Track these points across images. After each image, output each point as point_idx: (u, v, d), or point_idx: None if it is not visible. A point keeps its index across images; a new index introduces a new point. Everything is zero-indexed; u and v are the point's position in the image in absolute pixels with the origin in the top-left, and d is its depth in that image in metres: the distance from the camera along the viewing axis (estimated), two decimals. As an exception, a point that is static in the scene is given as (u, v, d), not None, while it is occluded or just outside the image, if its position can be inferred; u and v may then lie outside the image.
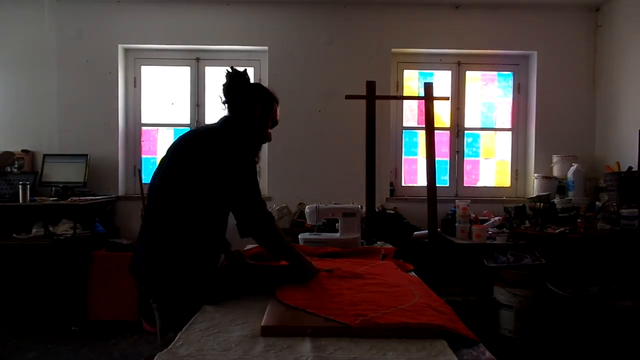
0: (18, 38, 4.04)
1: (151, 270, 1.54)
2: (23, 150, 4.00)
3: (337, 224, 2.55)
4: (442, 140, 4.25)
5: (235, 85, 1.78)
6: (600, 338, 2.93)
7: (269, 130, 1.86)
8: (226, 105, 1.81)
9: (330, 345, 1.09)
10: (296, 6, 4.07)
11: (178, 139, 1.72)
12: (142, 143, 4.26)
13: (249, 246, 2.25)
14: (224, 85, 1.79)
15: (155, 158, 4.29)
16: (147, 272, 1.55)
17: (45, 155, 3.96)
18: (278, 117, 1.88)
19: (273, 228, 1.59)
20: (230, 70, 1.79)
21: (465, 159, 4.30)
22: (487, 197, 4.17)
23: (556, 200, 3.59)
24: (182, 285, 1.52)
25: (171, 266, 1.52)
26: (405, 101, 4.27)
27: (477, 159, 4.33)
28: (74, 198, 3.65)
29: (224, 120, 1.77)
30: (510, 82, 4.30)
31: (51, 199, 3.69)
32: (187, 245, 1.54)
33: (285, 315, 1.26)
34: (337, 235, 2.44)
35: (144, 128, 4.25)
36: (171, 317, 1.53)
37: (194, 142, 1.64)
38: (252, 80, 1.83)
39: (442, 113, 4.27)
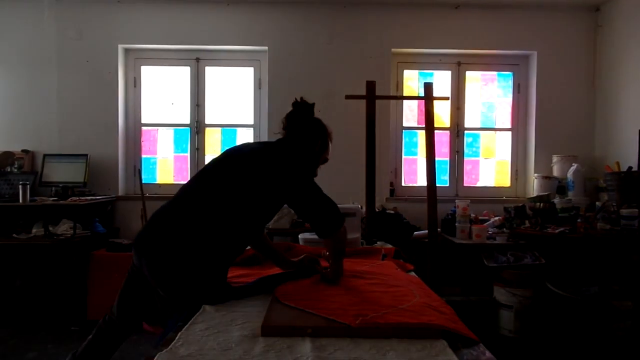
0: (18, 38, 4.04)
1: (162, 248, 1.55)
2: (23, 150, 4.00)
3: (337, 224, 2.55)
4: (442, 140, 4.25)
5: (299, 115, 1.87)
6: (600, 338, 2.93)
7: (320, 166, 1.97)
8: (285, 131, 1.88)
9: (330, 345, 1.09)
10: (296, 6, 4.07)
11: (238, 149, 1.80)
12: (142, 143, 4.26)
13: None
14: (289, 113, 1.88)
15: (155, 158, 4.29)
16: (156, 246, 1.57)
17: (45, 155, 3.96)
18: (329, 156, 2.02)
19: (342, 228, 1.72)
20: (298, 100, 1.89)
21: (465, 159, 4.30)
22: (487, 197, 4.17)
23: (556, 200, 3.58)
24: (185, 271, 1.54)
25: (184, 252, 1.54)
26: (405, 101, 4.26)
27: (477, 159, 4.33)
28: (74, 198, 3.65)
29: (283, 143, 1.84)
30: (510, 82, 4.30)
31: (51, 199, 3.69)
32: (209, 241, 1.56)
33: (285, 315, 1.26)
34: (337, 235, 2.43)
35: (144, 128, 4.25)
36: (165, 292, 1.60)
37: (258, 156, 1.71)
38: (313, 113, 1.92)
39: (442, 113, 4.27)
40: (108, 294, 3.56)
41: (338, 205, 1.70)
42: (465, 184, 4.29)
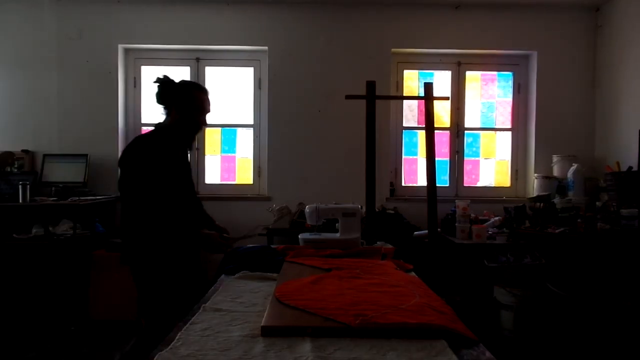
0: (18, 38, 4.04)
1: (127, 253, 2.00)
2: (23, 150, 4.00)
3: (337, 224, 2.55)
4: (442, 140, 4.25)
5: (163, 92, 2.04)
6: (600, 338, 2.92)
7: (202, 119, 2.13)
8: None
9: (330, 345, 1.09)
10: (296, 6, 4.07)
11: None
12: (142, 143, 4.25)
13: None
14: (156, 94, 2.04)
15: (155, 158, 4.28)
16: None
17: (45, 155, 3.96)
18: (206, 105, 2.12)
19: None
20: (160, 77, 2.05)
21: (465, 159, 4.30)
22: (487, 197, 4.17)
23: (556, 200, 3.58)
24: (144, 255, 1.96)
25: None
26: (405, 101, 4.26)
27: (477, 159, 4.33)
28: (74, 198, 3.65)
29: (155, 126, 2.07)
30: (510, 82, 4.30)
31: (51, 199, 3.69)
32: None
33: (285, 315, 1.26)
34: (337, 235, 2.43)
35: (144, 128, 4.25)
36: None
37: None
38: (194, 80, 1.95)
39: (442, 113, 4.27)
40: (108, 294, 3.59)
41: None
42: (465, 184, 4.29)
